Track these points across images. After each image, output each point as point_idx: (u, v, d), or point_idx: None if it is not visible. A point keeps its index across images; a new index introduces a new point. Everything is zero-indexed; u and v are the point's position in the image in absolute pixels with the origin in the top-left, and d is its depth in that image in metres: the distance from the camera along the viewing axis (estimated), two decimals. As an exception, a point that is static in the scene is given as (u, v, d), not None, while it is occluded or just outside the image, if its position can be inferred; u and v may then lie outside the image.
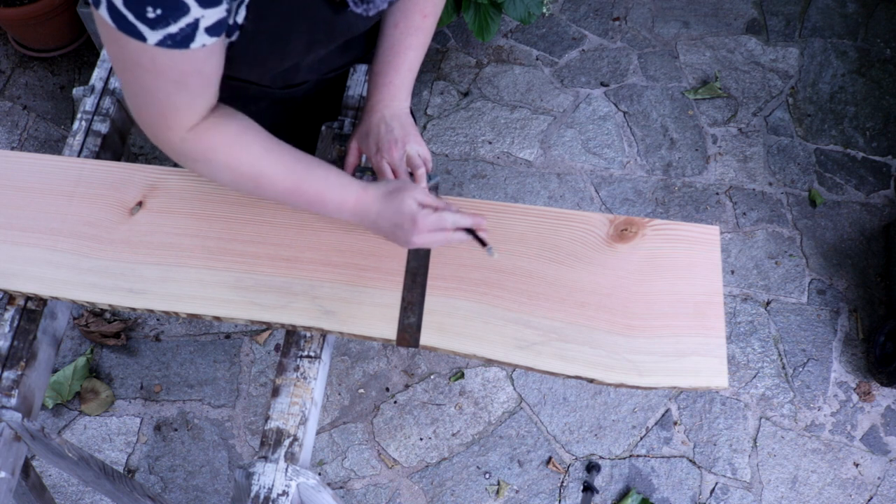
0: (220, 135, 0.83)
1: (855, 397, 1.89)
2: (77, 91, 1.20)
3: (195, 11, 0.68)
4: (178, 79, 0.74)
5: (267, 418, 0.92)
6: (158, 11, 0.66)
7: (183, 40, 0.70)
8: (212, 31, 0.71)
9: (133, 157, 2.15)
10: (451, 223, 0.91)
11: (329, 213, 0.92)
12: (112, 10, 0.67)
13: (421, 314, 0.95)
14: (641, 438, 1.82)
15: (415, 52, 1.00)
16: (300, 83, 1.12)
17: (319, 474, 1.11)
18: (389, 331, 0.94)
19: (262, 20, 0.81)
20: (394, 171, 0.99)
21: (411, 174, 1.00)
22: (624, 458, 1.80)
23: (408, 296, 0.96)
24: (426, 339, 0.94)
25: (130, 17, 0.66)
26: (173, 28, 0.68)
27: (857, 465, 1.81)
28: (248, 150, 0.85)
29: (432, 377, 1.87)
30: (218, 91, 0.83)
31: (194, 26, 0.69)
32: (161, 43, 0.69)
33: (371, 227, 0.93)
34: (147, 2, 0.65)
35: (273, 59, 0.92)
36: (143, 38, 0.68)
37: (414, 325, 0.94)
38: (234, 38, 0.82)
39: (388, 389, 1.86)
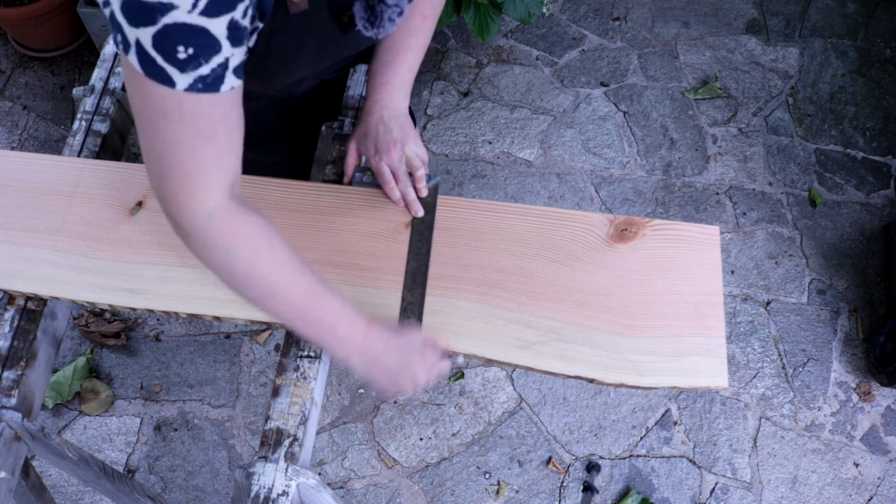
0: (249, 225, 0.77)
1: (855, 397, 1.89)
2: (77, 91, 1.20)
3: (226, 50, 0.64)
4: (206, 129, 0.69)
5: (267, 418, 0.92)
6: (190, 51, 0.62)
7: (213, 82, 0.66)
8: (237, 71, 0.68)
9: (133, 157, 2.14)
10: (440, 369, 0.91)
11: (334, 341, 0.85)
12: (141, 53, 0.63)
13: (421, 314, 0.95)
14: (641, 438, 1.82)
15: (414, 53, 1.00)
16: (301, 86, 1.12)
17: (319, 474, 1.11)
18: (389, 331, 0.94)
19: (273, 41, 0.80)
20: (393, 173, 0.99)
21: (410, 175, 1.01)
22: (624, 458, 1.80)
23: (408, 296, 0.96)
24: (426, 339, 0.94)
25: (159, 59, 0.62)
26: (204, 69, 0.64)
27: (857, 465, 1.81)
28: (274, 252, 0.79)
29: (432, 377, 1.87)
30: (241, 160, 0.78)
31: (224, 66, 0.66)
32: (191, 87, 0.65)
33: (373, 363, 0.87)
34: (178, 40, 0.61)
35: (280, 75, 0.92)
36: (171, 83, 0.64)
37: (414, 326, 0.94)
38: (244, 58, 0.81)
39: (388, 389, 1.86)
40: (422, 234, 1.00)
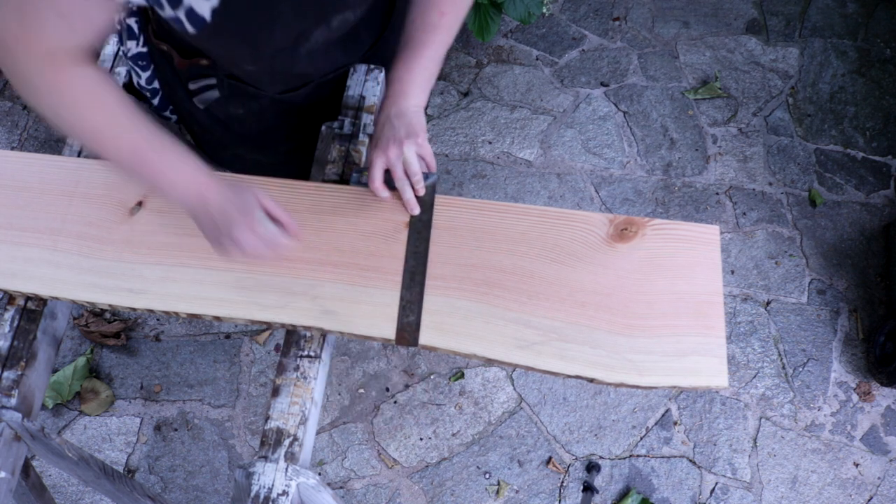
0: (79, 74, 0.79)
1: (855, 397, 1.89)
2: (77, 91, 1.20)
3: None
4: (61, 3, 0.72)
5: (267, 418, 0.92)
6: None
7: None
8: None
9: (133, 157, 2.14)
10: (274, 240, 0.89)
11: (170, 187, 0.87)
12: None
13: (420, 313, 0.95)
14: (641, 438, 1.82)
15: (430, 50, 0.98)
16: (300, 86, 1.11)
17: (319, 474, 1.11)
18: (389, 330, 0.94)
19: None
20: (392, 171, 0.99)
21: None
22: (624, 458, 1.80)
23: (406, 294, 0.96)
24: (426, 338, 0.94)
25: None
26: None
27: (857, 465, 1.81)
28: (104, 96, 0.81)
29: (432, 377, 1.87)
30: (94, 46, 0.81)
31: None
32: None
33: (202, 212, 0.88)
34: None
35: (263, 33, 0.90)
36: None
37: (413, 324, 0.94)
38: (215, 2, 0.81)
39: (388, 389, 1.86)
40: (420, 232, 1.00)
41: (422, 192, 1.01)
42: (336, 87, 1.18)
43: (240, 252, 0.88)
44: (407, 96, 0.99)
